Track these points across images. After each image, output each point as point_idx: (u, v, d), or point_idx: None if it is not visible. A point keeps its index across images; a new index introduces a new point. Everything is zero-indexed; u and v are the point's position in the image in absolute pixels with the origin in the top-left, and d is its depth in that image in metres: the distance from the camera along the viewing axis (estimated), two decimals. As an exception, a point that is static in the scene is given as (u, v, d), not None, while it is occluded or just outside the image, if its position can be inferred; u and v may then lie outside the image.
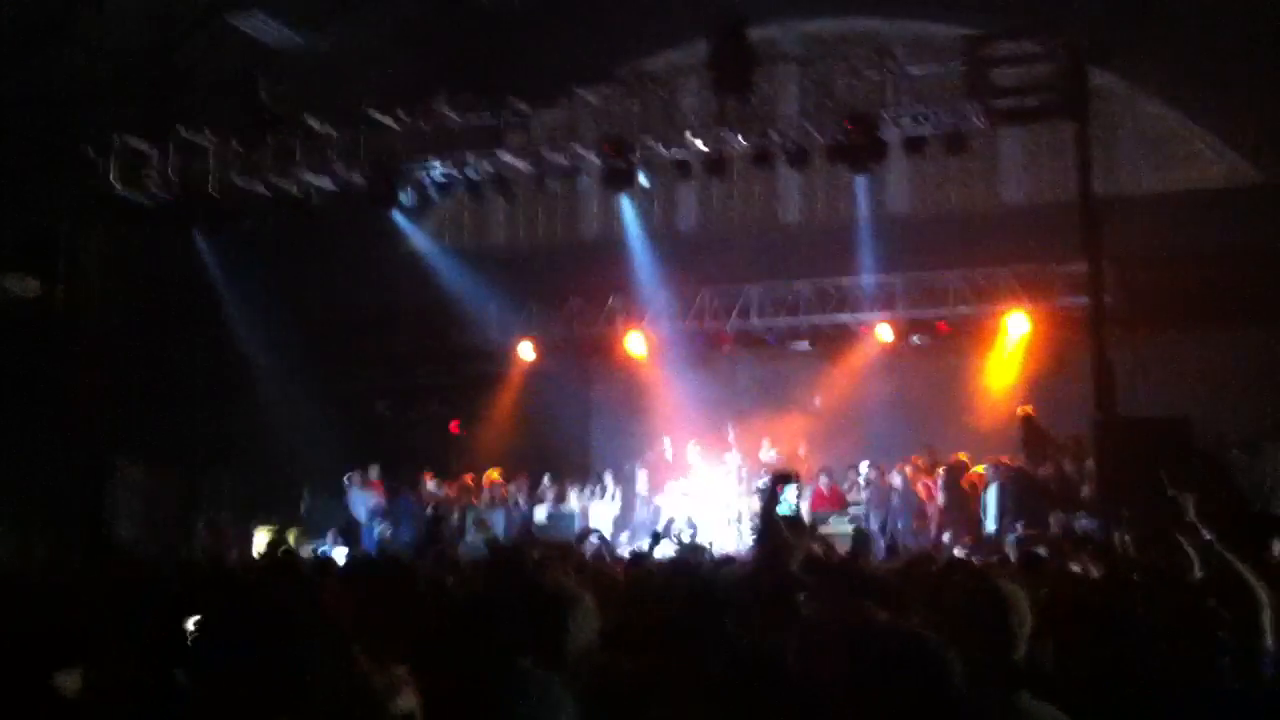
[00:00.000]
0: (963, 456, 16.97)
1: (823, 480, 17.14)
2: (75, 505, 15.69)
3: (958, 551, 12.68)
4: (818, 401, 19.02)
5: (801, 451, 18.16)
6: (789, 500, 4.44)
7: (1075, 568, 8.76)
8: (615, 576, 6.50)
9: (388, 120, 16.64)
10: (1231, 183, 18.86)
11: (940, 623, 4.05)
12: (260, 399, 18.96)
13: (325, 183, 17.07)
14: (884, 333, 19.13)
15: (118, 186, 16.73)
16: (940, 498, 16.76)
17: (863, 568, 6.22)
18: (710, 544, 11.51)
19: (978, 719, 3.12)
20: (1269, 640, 4.52)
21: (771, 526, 4.60)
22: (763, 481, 17.67)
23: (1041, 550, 9.77)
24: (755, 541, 4.72)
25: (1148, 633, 4.56)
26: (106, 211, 16.98)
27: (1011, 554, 10.61)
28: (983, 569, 7.03)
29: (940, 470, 17.07)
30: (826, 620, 4.14)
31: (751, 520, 16.49)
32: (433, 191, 17.44)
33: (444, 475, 19.14)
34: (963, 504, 16.44)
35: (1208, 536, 4.74)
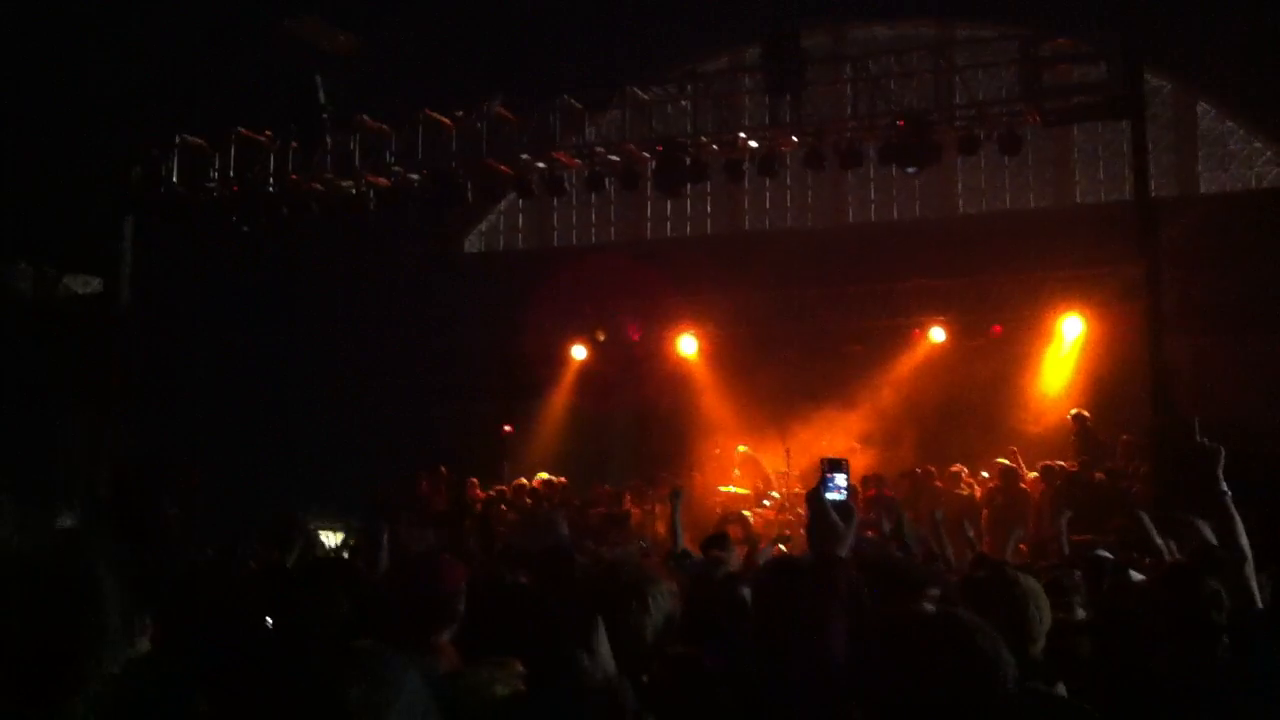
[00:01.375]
0: (1003, 460, 16.82)
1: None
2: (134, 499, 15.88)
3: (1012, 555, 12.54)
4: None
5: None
6: (840, 485, 4.46)
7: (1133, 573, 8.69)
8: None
9: (444, 120, 16.80)
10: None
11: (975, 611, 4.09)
12: (312, 398, 19.13)
13: (381, 183, 17.26)
14: (937, 335, 19.08)
15: (178, 185, 17.03)
16: (994, 502, 16.62)
17: (905, 562, 6.19)
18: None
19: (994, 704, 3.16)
20: (1259, 601, 4.54)
21: (820, 513, 4.63)
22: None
23: (1103, 553, 9.69)
24: (806, 529, 4.72)
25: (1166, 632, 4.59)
26: (167, 210, 17.25)
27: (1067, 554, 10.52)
28: (1003, 565, 6.99)
29: (990, 474, 16.96)
30: (869, 608, 4.18)
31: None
32: (488, 192, 17.56)
33: (496, 478, 19.25)
34: (1018, 508, 16.30)
35: (1225, 490, 4.76)
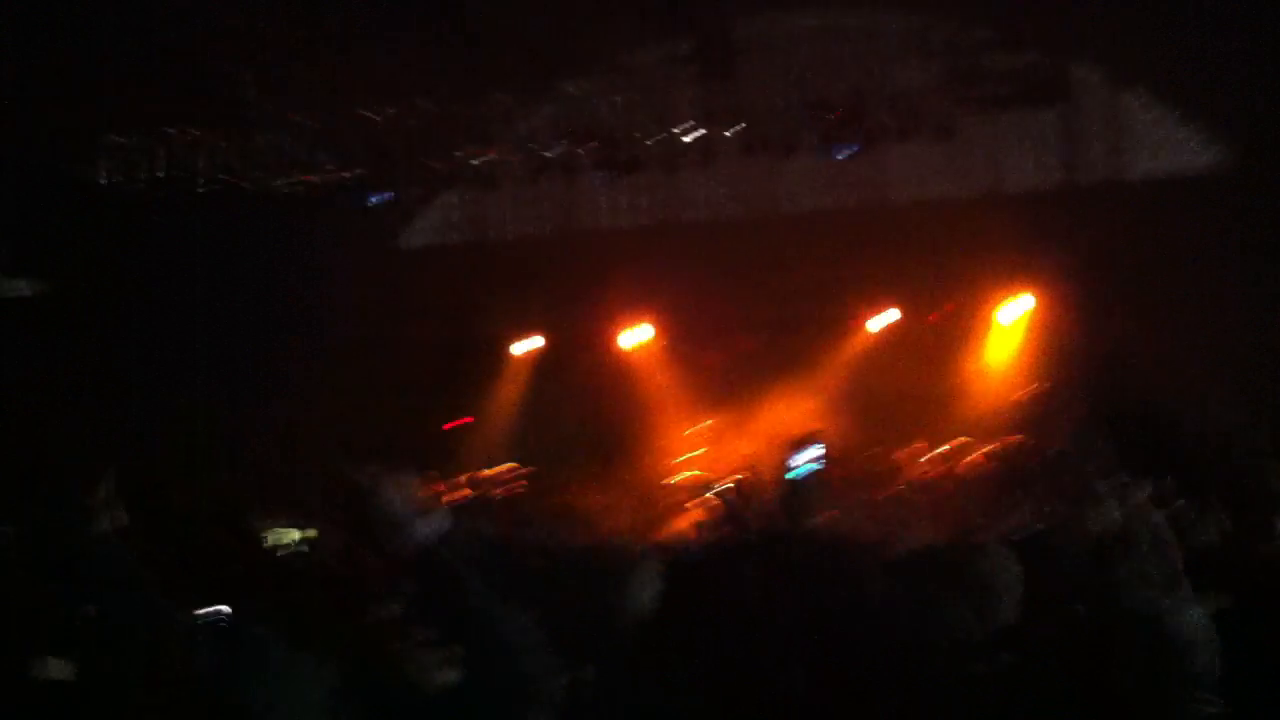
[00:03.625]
0: (949, 444, 16.93)
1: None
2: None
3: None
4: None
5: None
6: (808, 462, 4.45)
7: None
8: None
9: (375, 117, 16.70)
10: (1218, 169, 18.91)
11: (930, 587, 4.11)
12: (251, 398, 18.92)
13: (314, 179, 17.11)
14: (882, 320, 19.33)
15: (105, 184, 16.77)
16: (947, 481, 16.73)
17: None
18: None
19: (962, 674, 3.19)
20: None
21: (786, 490, 4.68)
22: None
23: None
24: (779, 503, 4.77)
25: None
26: (94, 208, 16.99)
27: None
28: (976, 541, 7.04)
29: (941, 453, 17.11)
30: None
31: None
32: (422, 186, 17.49)
33: (442, 475, 19.04)
34: (969, 487, 16.40)
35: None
